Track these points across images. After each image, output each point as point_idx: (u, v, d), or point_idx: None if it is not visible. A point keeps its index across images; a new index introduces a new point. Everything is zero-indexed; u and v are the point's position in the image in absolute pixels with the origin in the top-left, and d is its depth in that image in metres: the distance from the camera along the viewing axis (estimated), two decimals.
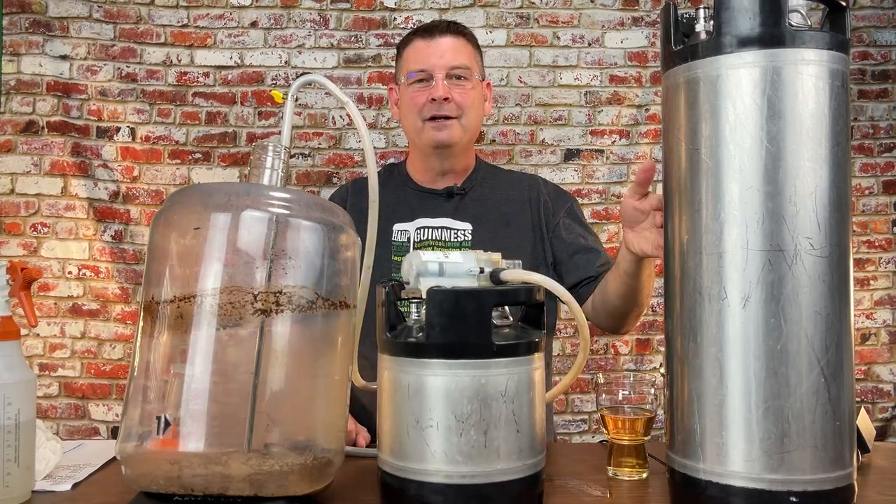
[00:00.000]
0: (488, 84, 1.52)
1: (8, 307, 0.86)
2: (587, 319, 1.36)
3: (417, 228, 1.43)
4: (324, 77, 0.94)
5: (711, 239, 0.74)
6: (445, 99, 1.39)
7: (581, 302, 1.38)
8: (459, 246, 1.39)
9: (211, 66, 2.52)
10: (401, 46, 1.50)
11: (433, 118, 1.40)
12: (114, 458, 1.02)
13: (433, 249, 1.37)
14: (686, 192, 0.77)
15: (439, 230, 1.42)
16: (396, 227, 1.43)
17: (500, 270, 0.82)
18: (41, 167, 2.44)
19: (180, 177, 2.51)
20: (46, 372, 2.42)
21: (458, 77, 1.41)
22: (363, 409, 1.25)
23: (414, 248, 1.41)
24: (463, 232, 1.41)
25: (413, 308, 0.81)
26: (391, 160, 2.39)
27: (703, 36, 0.77)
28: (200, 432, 0.77)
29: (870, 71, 2.63)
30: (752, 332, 0.72)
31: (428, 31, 1.45)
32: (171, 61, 2.51)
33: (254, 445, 0.77)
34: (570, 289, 1.37)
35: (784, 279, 0.71)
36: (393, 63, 1.72)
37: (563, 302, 0.84)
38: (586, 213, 2.52)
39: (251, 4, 2.53)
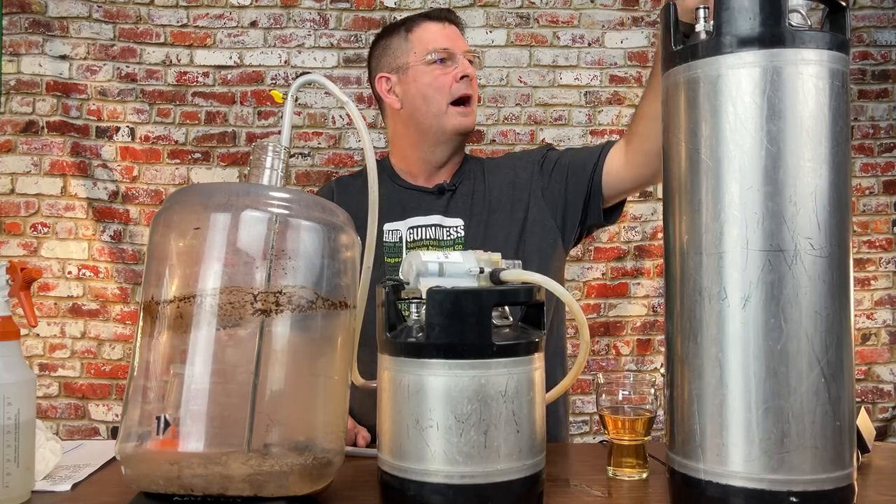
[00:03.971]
0: None
1: (8, 307, 0.86)
2: (623, 173, 1.32)
3: (409, 228, 1.38)
4: (323, 77, 0.94)
5: (711, 239, 0.74)
6: (472, 78, 1.37)
7: (603, 166, 1.33)
8: (453, 243, 1.36)
9: (210, 66, 2.52)
10: (400, 30, 1.43)
11: (460, 102, 1.36)
12: (114, 458, 1.02)
13: (428, 249, 1.35)
14: (686, 192, 0.77)
15: (432, 228, 1.38)
16: (387, 226, 1.39)
17: (500, 270, 0.82)
18: (41, 167, 2.44)
19: (180, 177, 2.51)
20: (46, 372, 2.42)
21: (470, 62, 1.39)
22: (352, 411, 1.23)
23: (407, 249, 1.38)
24: (455, 229, 1.37)
25: (413, 308, 0.81)
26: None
27: (703, 36, 0.77)
28: (200, 432, 0.77)
29: (870, 71, 2.64)
30: (752, 333, 0.72)
31: (437, 16, 1.41)
32: (171, 61, 2.51)
33: (253, 446, 0.77)
34: (592, 175, 1.34)
35: (784, 279, 0.71)
36: None
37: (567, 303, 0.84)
38: None
39: (251, 4, 2.53)
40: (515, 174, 1.42)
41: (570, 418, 2.54)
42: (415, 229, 1.39)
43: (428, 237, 1.38)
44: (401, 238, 1.38)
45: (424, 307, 0.77)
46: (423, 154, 1.43)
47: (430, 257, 0.81)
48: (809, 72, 0.72)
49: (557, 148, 1.48)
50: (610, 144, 1.36)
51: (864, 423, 1.02)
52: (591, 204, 1.37)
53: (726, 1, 0.73)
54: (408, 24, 1.43)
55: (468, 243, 1.35)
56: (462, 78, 1.36)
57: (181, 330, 0.79)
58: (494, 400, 0.76)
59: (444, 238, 1.37)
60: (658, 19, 2.18)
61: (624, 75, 2.56)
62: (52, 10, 2.45)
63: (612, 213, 1.41)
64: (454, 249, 1.35)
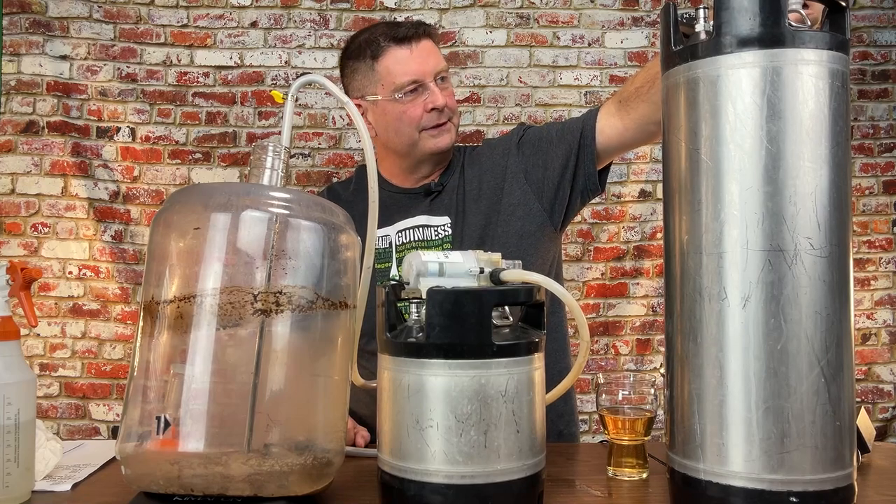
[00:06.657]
0: None
1: (8, 307, 0.86)
2: (622, 137, 1.30)
3: (398, 232, 1.38)
4: (324, 77, 0.94)
5: (711, 239, 0.74)
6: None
7: (596, 133, 1.31)
8: (441, 242, 1.35)
9: (211, 66, 2.52)
10: (366, 57, 1.36)
11: (433, 126, 1.34)
12: (114, 458, 1.02)
13: (416, 251, 1.35)
14: (686, 192, 0.77)
15: (419, 229, 1.37)
16: (376, 232, 1.39)
17: (500, 270, 0.82)
18: (41, 167, 2.44)
19: (180, 177, 2.51)
20: (47, 372, 2.42)
21: (443, 79, 1.35)
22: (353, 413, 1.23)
23: (396, 253, 1.37)
24: (442, 227, 1.36)
25: (413, 308, 0.81)
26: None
27: (703, 36, 0.77)
28: (200, 432, 0.77)
29: (870, 71, 2.63)
30: (752, 333, 0.72)
31: (404, 38, 1.34)
32: (171, 61, 2.51)
33: (254, 445, 0.77)
34: (581, 141, 1.32)
35: (784, 279, 0.71)
36: None
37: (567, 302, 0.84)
38: (586, 212, 2.52)
39: (251, 4, 2.53)
40: (493, 161, 1.40)
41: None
42: (402, 232, 1.38)
43: (416, 238, 1.37)
44: (390, 243, 1.38)
45: (424, 307, 0.77)
46: (408, 167, 1.42)
47: (431, 257, 0.82)
48: (809, 72, 0.72)
49: (535, 125, 1.45)
50: (595, 111, 1.34)
51: (864, 423, 1.02)
52: (585, 170, 1.34)
53: (726, 1, 0.73)
54: (374, 50, 1.35)
55: (455, 239, 1.35)
56: (433, 109, 1.32)
57: (181, 330, 0.79)
58: (494, 400, 0.76)
59: (433, 238, 1.36)
60: (658, 19, 2.18)
61: (624, 75, 2.56)
62: (53, 10, 2.45)
63: (602, 176, 1.37)
64: (443, 248, 1.34)
